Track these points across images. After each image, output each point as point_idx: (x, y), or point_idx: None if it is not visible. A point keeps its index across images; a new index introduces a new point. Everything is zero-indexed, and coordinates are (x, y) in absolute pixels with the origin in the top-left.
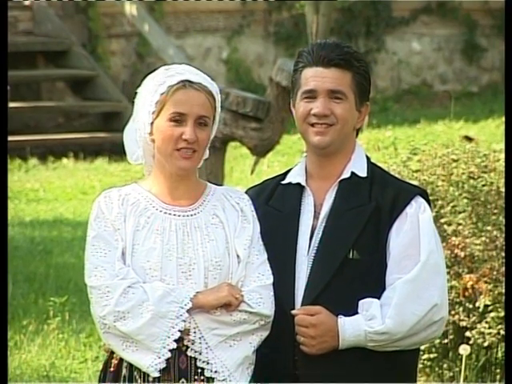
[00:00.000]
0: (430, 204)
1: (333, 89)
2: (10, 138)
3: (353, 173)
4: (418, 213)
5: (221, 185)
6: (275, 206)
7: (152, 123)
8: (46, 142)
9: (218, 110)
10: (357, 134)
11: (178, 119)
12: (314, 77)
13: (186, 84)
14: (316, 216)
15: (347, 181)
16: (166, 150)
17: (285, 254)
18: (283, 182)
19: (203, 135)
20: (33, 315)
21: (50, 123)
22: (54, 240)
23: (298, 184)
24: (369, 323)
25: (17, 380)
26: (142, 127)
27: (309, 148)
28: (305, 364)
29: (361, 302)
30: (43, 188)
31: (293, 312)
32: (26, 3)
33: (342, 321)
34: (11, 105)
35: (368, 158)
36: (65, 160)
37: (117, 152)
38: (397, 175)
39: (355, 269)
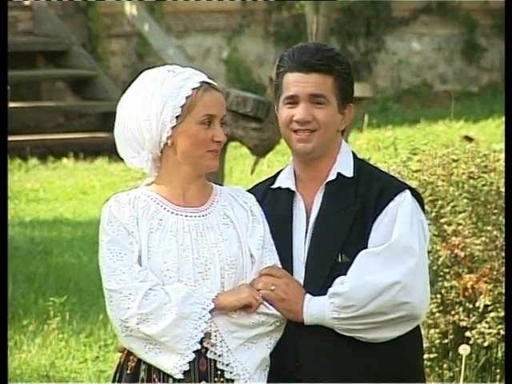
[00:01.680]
0: (420, 200)
1: (314, 93)
2: (10, 138)
3: (339, 174)
4: (398, 206)
5: (221, 185)
6: (267, 212)
7: (173, 127)
8: (46, 141)
9: None
10: (342, 134)
11: (209, 121)
12: (296, 82)
13: (207, 85)
14: (307, 221)
15: (333, 183)
16: (197, 153)
17: (281, 261)
18: (273, 187)
19: (224, 135)
20: (33, 315)
21: (50, 123)
22: (54, 240)
23: (288, 189)
24: (329, 290)
25: (17, 380)
26: (156, 132)
27: (293, 153)
28: (308, 369)
29: None
30: (43, 188)
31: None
32: (26, 3)
33: (310, 294)
34: (11, 105)
35: (355, 157)
36: (65, 160)
37: (117, 152)
38: (397, 175)
39: (346, 272)
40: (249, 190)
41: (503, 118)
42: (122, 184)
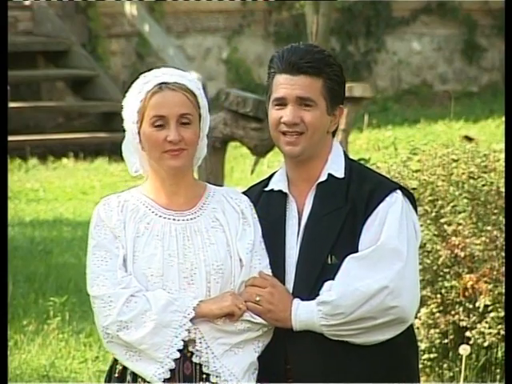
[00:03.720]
0: (412, 199)
1: (302, 96)
2: (10, 138)
3: (330, 175)
4: (388, 207)
5: (221, 185)
6: (260, 214)
7: (139, 132)
8: (46, 142)
9: (203, 104)
10: (333, 135)
11: (160, 123)
12: (284, 84)
13: (162, 86)
14: (299, 222)
15: (324, 184)
16: (154, 155)
17: (274, 263)
18: (266, 189)
19: (188, 133)
20: (33, 315)
21: (50, 123)
22: (54, 240)
23: (281, 191)
24: (318, 297)
25: (17, 380)
26: (132, 137)
27: (284, 155)
28: (297, 371)
29: None
30: (43, 188)
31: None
32: (26, 3)
33: (298, 300)
34: (11, 105)
35: (346, 157)
36: (65, 160)
37: (117, 152)
38: (397, 175)
39: (335, 274)
40: (244, 192)
41: (503, 118)
42: (121, 184)
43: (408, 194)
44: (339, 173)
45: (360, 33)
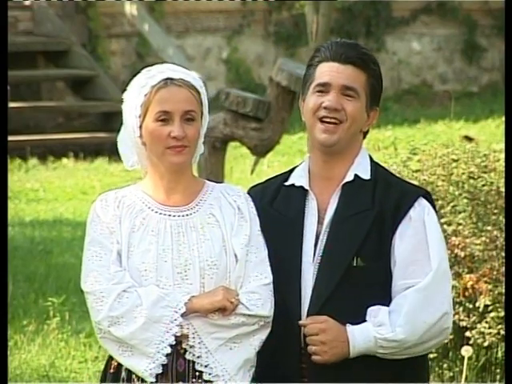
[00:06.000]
0: (434, 205)
1: (347, 85)
2: (10, 138)
3: (356, 175)
4: (422, 216)
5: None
6: (279, 209)
7: (140, 126)
8: (46, 142)
9: (205, 103)
10: (364, 137)
11: (164, 118)
12: (330, 71)
13: (168, 82)
14: (320, 221)
15: (350, 184)
16: (157, 150)
17: (290, 262)
18: (286, 184)
19: (192, 130)
20: (33, 315)
21: (50, 123)
22: (54, 240)
23: (302, 187)
24: (378, 329)
25: (17, 380)
26: (132, 132)
27: (313, 146)
28: (312, 372)
29: (369, 310)
30: (43, 188)
31: (300, 323)
32: (26, 3)
33: (351, 328)
34: (11, 105)
35: (371, 159)
36: (65, 160)
37: (117, 152)
38: (397, 175)
39: (360, 276)
40: (261, 184)
41: (503, 118)
42: (122, 184)
43: (430, 198)
44: (365, 174)
45: (360, 33)
